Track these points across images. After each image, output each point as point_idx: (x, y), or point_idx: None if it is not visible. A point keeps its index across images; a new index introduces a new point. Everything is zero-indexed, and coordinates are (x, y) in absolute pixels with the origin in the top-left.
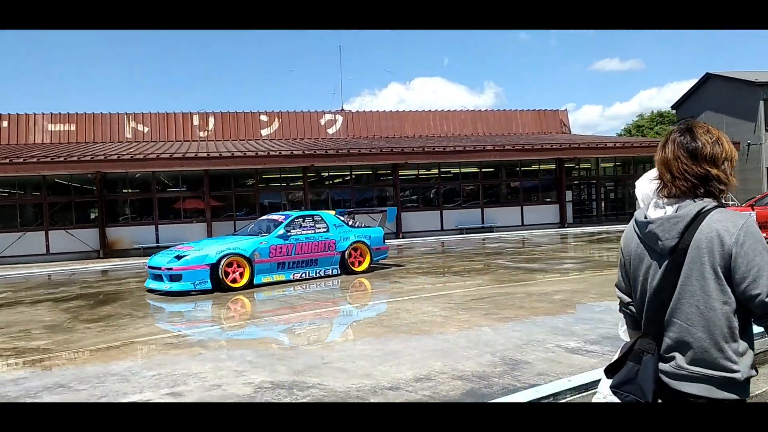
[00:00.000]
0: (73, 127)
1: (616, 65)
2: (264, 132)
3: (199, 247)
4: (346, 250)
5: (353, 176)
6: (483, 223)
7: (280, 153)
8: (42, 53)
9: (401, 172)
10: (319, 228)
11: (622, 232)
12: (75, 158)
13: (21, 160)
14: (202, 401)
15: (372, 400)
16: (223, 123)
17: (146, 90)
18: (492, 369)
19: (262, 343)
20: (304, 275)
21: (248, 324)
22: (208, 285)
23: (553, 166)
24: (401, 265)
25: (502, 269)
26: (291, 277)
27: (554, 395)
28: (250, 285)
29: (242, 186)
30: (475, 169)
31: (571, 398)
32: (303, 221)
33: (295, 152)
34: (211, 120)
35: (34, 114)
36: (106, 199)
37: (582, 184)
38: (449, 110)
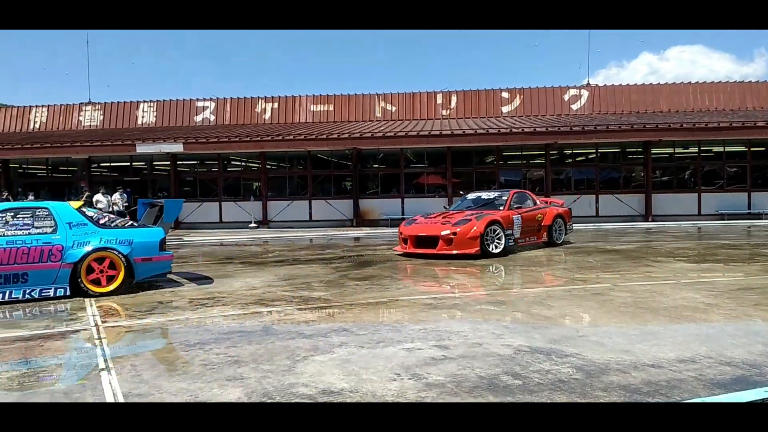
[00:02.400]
0: (331, 107)
1: None
2: (505, 109)
3: None
4: (81, 260)
5: (598, 154)
6: (749, 208)
7: (522, 130)
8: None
9: (653, 151)
10: (39, 227)
11: None
12: (335, 135)
13: (291, 137)
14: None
15: (633, 374)
16: (465, 101)
17: (393, 71)
18: (765, 359)
19: None
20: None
21: None
22: None
23: None
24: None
25: None
26: None
27: None
28: None
29: (482, 163)
30: (742, 148)
31: None
32: (14, 217)
33: (537, 129)
34: (453, 98)
35: (299, 96)
36: (359, 173)
37: None
38: (711, 82)
